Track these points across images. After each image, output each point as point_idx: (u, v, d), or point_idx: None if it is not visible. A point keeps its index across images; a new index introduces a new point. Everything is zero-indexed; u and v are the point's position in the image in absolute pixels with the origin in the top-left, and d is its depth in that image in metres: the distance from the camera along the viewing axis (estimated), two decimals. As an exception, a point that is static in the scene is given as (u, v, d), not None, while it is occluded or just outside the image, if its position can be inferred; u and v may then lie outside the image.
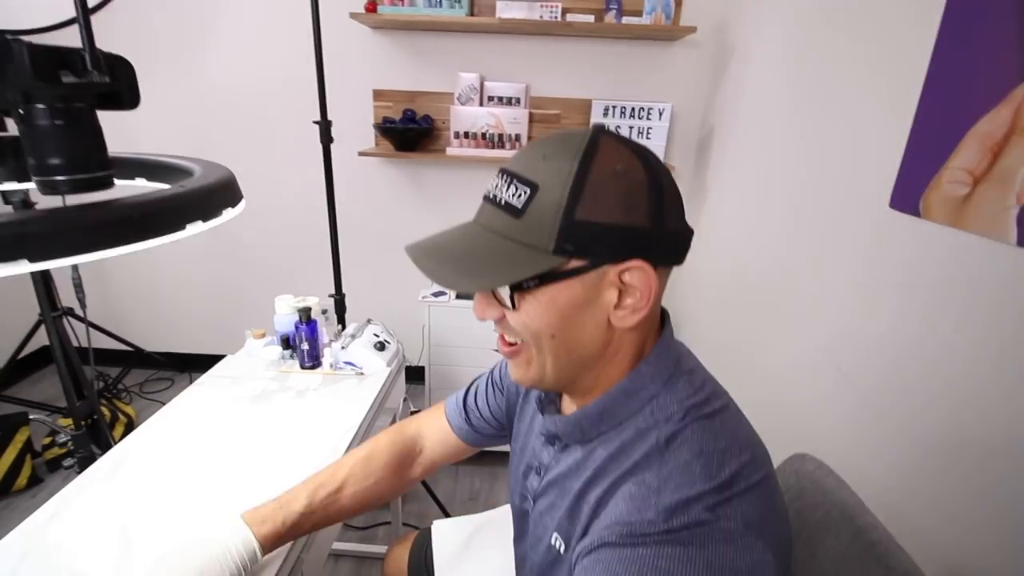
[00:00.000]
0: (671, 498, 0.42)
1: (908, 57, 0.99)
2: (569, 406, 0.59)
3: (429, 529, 0.99)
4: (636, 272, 0.45)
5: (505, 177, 0.47)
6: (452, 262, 0.47)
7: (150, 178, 0.81)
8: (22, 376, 2.41)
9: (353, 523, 1.71)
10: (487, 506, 1.82)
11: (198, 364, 2.36)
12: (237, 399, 1.09)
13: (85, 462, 1.04)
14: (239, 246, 2.31)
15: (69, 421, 2.01)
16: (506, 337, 0.52)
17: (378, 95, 2.05)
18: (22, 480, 1.79)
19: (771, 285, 1.48)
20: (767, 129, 1.57)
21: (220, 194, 0.64)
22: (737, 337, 1.66)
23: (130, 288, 2.44)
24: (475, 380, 0.83)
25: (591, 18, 1.82)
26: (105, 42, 0.60)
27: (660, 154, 1.97)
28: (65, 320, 2.01)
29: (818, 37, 1.34)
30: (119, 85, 0.64)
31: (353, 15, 1.79)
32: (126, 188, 0.71)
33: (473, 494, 1.90)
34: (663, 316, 0.55)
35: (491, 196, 0.48)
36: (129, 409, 2.19)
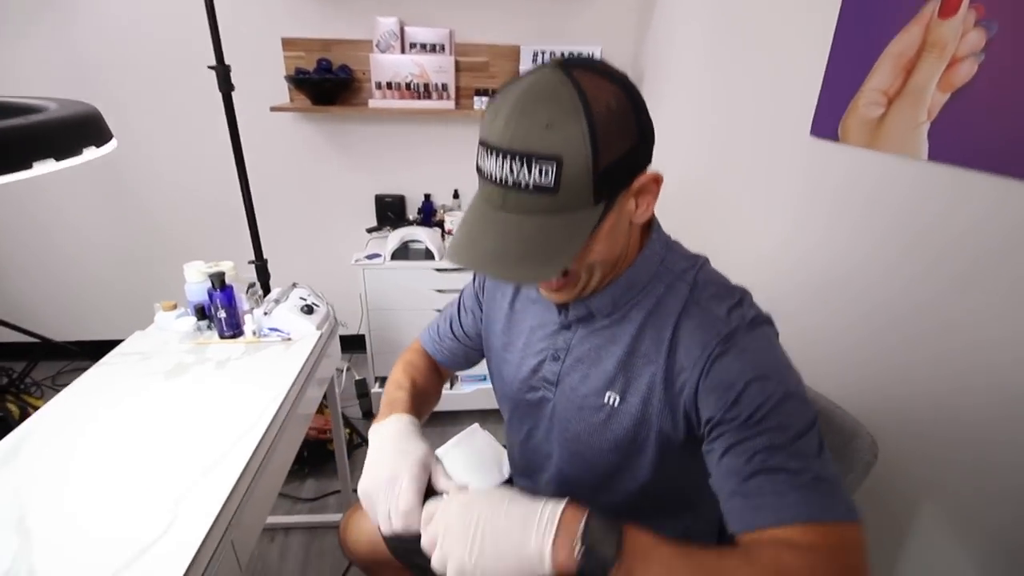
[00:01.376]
0: (722, 309, 0.56)
1: (826, -19, 0.99)
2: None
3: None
4: (646, 178, 0.52)
5: (517, 160, 0.47)
6: (522, 261, 0.49)
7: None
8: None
9: (301, 495, 1.66)
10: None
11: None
12: (148, 375, 0.99)
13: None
14: (145, 216, 2.09)
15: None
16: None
17: (288, 44, 1.87)
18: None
19: (704, 217, 1.51)
20: (694, 65, 1.56)
21: (76, 129, 0.54)
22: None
23: (32, 275, 2.17)
24: (443, 314, 0.87)
25: (513, -46, 1.72)
26: None
27: (592, 100, 1.94)
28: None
29: (740, -32, 1.32)
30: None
31: (250, -50, 1.60)
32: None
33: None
34: None
35: (511, 183, 0.48)
36: (39, 403, 1.99)
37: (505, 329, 0.75)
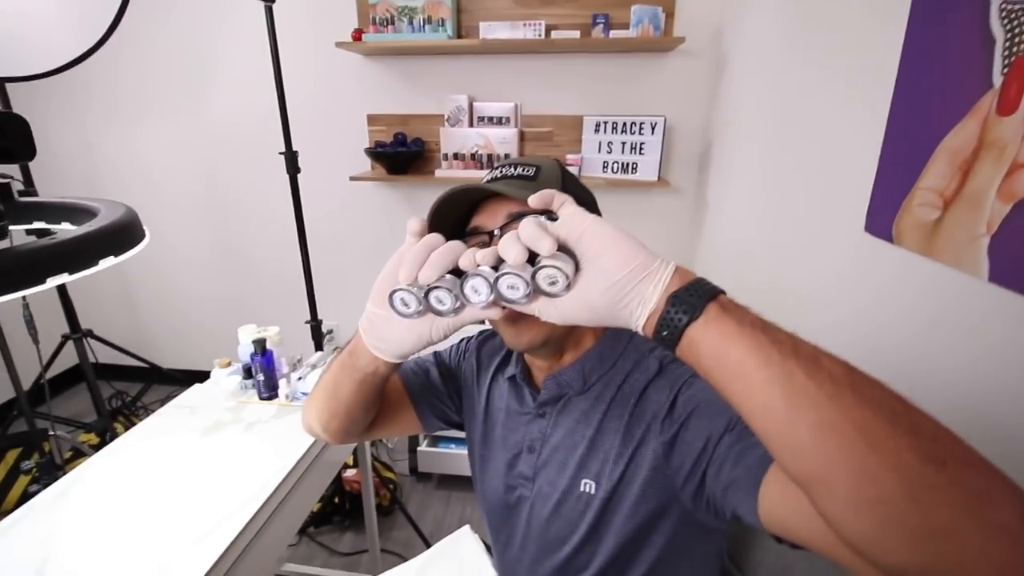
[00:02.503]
0: (689, 373, 0.56)
1: (878, 68, 0.89)
2: (543, 375, 0.64)
3: None
4: None
5: (507, 166, 0.58)
6: (503, 185, 0.55)
7: (49, 221, 0.83)
8: (57, 393, 2.58)
9: (338, 548, 1.71)
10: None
11: (211, 383, 2.45)
12: (189, 430, 1.10)
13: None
14: (247, 270, 2.39)
15: (90, 436, 2.14)
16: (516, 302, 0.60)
17: (372, 120, 2.08)
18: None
19: (756, 299, 1.37)
20: (760, 144, 1.47)
21: (95, 245, 0.64)
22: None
23: (150, 308, 2.57)
24: (422, 364, 0.78)
25: (576, 33, 1.77)
26: (113, 80, 0.60)
27: (654, 170, 1.89)
28: (85, 341, 2.15)
29: (802, 50, 1.24)
30: (10, 142, 0.66)
31: (339, 44, 1.82)
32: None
33: (463, 521, 1.85)
34: None
35: (499, 175, 0.57)
36: (147, 425, 2.30)
37: (483, 437, 0.72)
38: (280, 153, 1.34)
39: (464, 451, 1.99)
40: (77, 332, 2.06)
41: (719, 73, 1.78)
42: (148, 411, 2.47)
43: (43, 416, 2.31)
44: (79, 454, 1.99)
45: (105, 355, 2.35)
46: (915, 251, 0.80)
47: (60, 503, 0.90)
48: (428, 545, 1.65)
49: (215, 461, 1.01)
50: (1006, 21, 0.65)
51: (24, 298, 1.40)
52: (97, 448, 2.09)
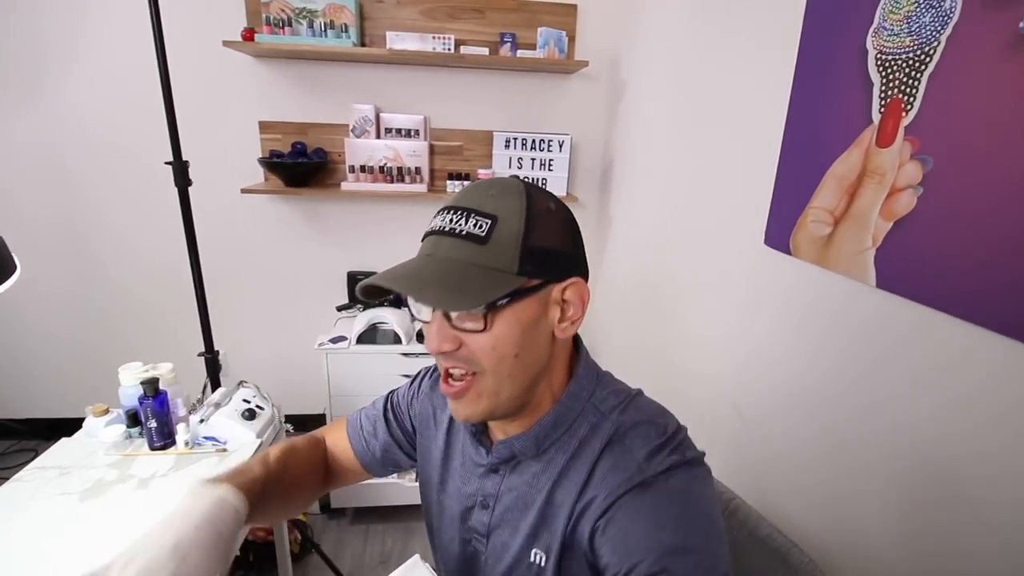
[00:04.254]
0: (643, 451, 0.53)
1: (774, 97, 1.01)
2: (500, 434, 0.61)
3: None
4: (574, 287, 0.54)
5: (460, 212, 0.51)
6: (433, 285, 0.49)
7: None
8: None
9: (244, 606, 1.52)
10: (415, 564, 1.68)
11: (69, 430, 2.06)
12: (62, 495, 0.92)
13: None
14: (111, 298, 2.05)
15: None
16: (455, 373, 0.54)
17: (265, 127, 1.91)
18: None
19: (667, 317, 1.48)
20: (658, 161, 1.59)
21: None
22: (640, 369, 1.65)
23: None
24: (374, 405, 0.77)
25: (485, 50, 1.79)
26: None
27: (562, 185, 1.96)
28: None
29: (696, 77, 1.37)
30: None
31: (227, 43, 1.65)
32: None
33: (384, 556, 1.75)
34: None
35: (447, 229, 0.51)
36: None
37: (440, 483, 0.68)
38: (167, 163, 1.17)
39: (381, 481, 1.88)
40: None
41: (618, 96, 1.91)
42: (-23, 474, 2.01)
43: None
44: None
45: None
46: (810, 262, 0.92)
47: None
48: (350, 585, 1.53)
49: (104, 529, 0.85)
50: (881, 68, 0.77)
51: None
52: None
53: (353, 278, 2.08)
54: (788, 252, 0.97)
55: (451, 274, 0.49)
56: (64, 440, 1.07)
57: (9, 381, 2.15)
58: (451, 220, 0.51)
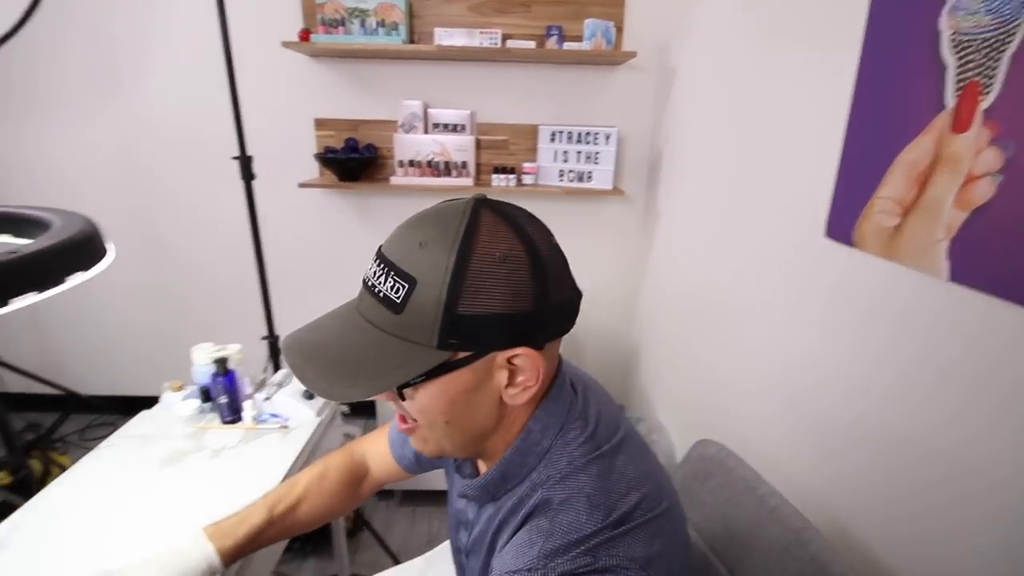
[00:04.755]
0: (555, 543, 0.45)
1: (836, 85, 0.98)
2: (484, 466, 0.59)
3: None
4: (523, 358, 0.45)
5: (382, 266, 0.45)
6: (332, 367, 0.45)
7: (16, 233, 0.73)
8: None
9: (298, 578, 1.60)
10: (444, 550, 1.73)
11: (145, 407, 2.22)
12: (144, 461, 0.99)
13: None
14: (180, 284, 2.19)
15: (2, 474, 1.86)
16: (405, 416, 0.51)
17: (320, 124, 1.99)
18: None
19: (720, 312, 1.45)
20: (710, 155, 1.56)
21: (65, 258, 0.56)
22: (690, 364, 1.63)
23: (65, 330, 2.28)
24: None
25: (532, 44, 1.80)
26: (22, 73, 0.52)
27: (608, 179, 1.95)
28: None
29: (752, 64, 1.33)
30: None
31: (285, 44, 1.73)
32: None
33: (430, 537, 1.80)
34: (558, 365, 0.55)
35: (369, 284, 0.46)
36: (64, 459, 2.03)
37: (451, 482, 0.69)
38: (234, 158, 1.24)
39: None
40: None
41: (667, 85, 1.88)
42: (67, 444, 2.20)
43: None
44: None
45: (8, 383, 2.07)
46: (876, 254, 0.88)
47: (6, 550, 0.78)
48: (397, 562, 1.59)
49: (183, 493, 0.91)
50: (956, 50, 0.73)
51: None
52: (9, 489, 1.82)
53: (401, 270, 2.14)
54: (851, 244, 0.94)
55: (361, 348, 0.45)
56: (144, 412, 1.16)
57: (90, 361, 2.33)
58: (374, 273, 0.46)
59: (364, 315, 0.46)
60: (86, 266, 0.58)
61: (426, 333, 0.43)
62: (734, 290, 1.38)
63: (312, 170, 2.01)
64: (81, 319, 2.26)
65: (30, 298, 0.51)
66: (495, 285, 0.42)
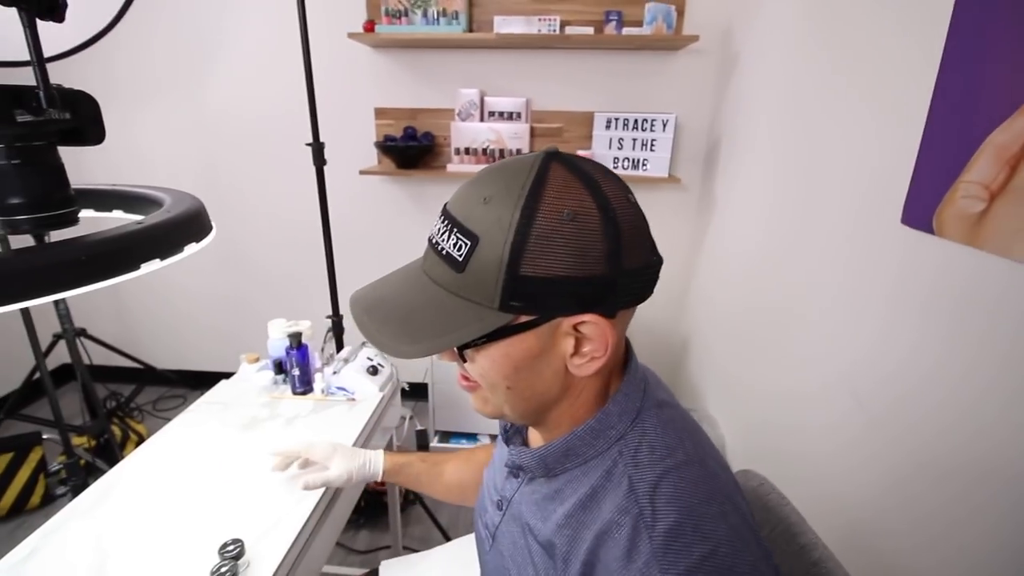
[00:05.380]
0: (664, 556, 0.40)
1: (917, 65, 0.93)
2: (536, 438, 0.58)
3: (377, 570, 0.96)
4: (590, 325, 0.43)
5: (446, 222, 0.44)
6: (393, 323, 0.45)
7: (127, 209, 0.80)
8: (39, 396, 2.46)
9: (355, 546, 1.69)
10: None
11: (211, 381, 2.37)
12: (226, 426, 1.08)
13: (78, 489, 1.03)
14: (247, 266, 2.33)
15: (84, 439, 2.04)
16: (465, 374, 0.51)
17: (380, 113, 2.05)
18: (36, 499, 1.81)
19: (782, 303, 1.42)
20: (774, 140, 1.51)
21: (181, 229, 0.62)
22: (747, 356, 1.60)
23: (141, 307, 2.48)
24: None
25: (590, 30, 1.79)
26: (106, 72, 0.59)
27: (664, 166, 1.92)
28: (78, 340, 2.05)
29: (823, 45, 1.28)
30: (81, 121, 0.63)
31: (351, 35, 1.79)
32: (102, 221, 0.70)
33: (478, 516, 1.85)
34: (627, 345, 0.53)
35: (434, 242, 0.45)
36: (141, 427, 2.21)
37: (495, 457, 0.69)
38: (307, 144, 1.31)
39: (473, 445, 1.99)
40: (70, 331, 1.97)
41: (729, 69, 1.83)
42: (143, 412, 2.39)
43: (30, 419, 2.21)
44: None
45: (92, 356, 2.25)
46: (958, 241, 0.85)
47: (105, 503, 0.87)
48: (448, 538, 1.65)
49: (261, 456, 0.99)
50: (1061, 23, 0.69)
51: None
52: (93, 452, 2.00)
53: (454, 256, 2.20)
54: (931, 231, 0.90)
55: (423, 306, 0.44)
56: (223, 382, 1.25)
57: (164, 337, 2.52)
58: (439, 230, 0.45)
59: (428, 273, 0.46)
60: (199, 238, 0.64)
61: (488, 294, 0.41)
62: (797, 281, 1.34)
63: (371, 158, 2.09)
64: (156, 299, 2.44)
65: (154, 264, 0.57)
66: (562, 245, 0.39)
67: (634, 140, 1.93)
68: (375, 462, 0.87)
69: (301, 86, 1.28)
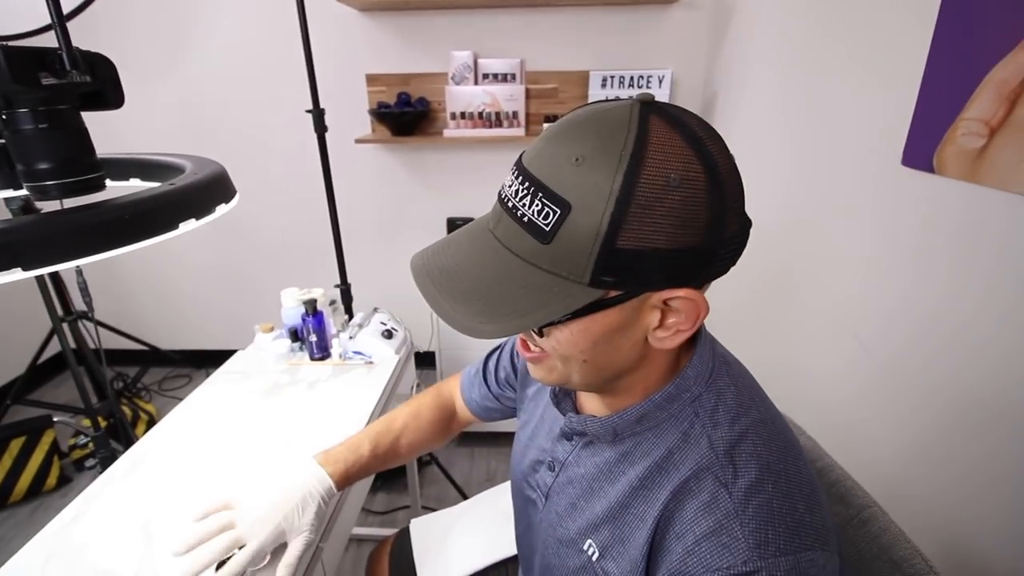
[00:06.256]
0: (747, 537, 0.39)
1: (916, 5, 0.95)
2: (590, 402, 0.56)
3: (408, 529, 1.00)
4: (682, 300, 0.40)
5: (527, 185, 0.38)
6: (468, 299, 0.41)
7: (144, 177, 0.80)
8: (45, 380, 2.46)
9: (373, 508, 1.74)
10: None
11: (214, 360, 2.39)
12: (249, 393, 1.10)
13: (106, 461, 1.06)
14: (245, 240, 2.31)
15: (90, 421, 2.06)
16: (528, 343, 0.48)
17: (371, 80, 2.02)
18: (51, 480, 1.84)
19: (782, 249, 1.46)
20: (771, 90, 1.52)
21: (212, 190, 0.63)
22: (750, 302, 1.64)
23: (141, 288, 2.46)
24: (494, 352, 0.81)
25: (584, -15, 1.76)
26: (87, 42, 0.58)
27: (662, 123, 1.92)
28: (80, 323, 2.04)
29: (822, -10, 1.28)
30: (102, 84, 0.63)
31: (340, -2, 1.75)
32: (121, 189, 0.70)
33: (489, 475, 1.92)
34: None
35: (510, 205, 0.40)
36: (150, 407, 2.23)
37: (524, 406, 0.70)
38: (307, 111, 1.29)
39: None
40: (72, 314, 1.96)
41: (725, 21, 1.82)
42: (150, 392, 2.40)
43: (36, 403, 2.22)
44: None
45: (94, 339, 2.25)
46: (957, 178, 0.88)
47: (140, 469, 0.89)
48: (465, 496, 1.71)
49: (287, 419, 1.02)
50: (1063, -45, 0.70)
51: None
52: (106, 431, 2.02)
53: (452, 223, 2.19)
54: (931, 171, 0.93)
55: (500, 279, 0.40)
56: (239, 352, 1.26)
57: (166, 318, 2.51)
58: (515, 192, 0.40)
59: (502, 240, 0.41)
60: (227, 199, 0.65)
61: (578, 268, 0.37)
62: (799, 233, 1.38)
63: (365, 126, 2.06)
64: (156, 279, 2.42)
65: (190, 224, 0.58)
66: (664, 215, 0.35)
67: (631, 98, 1.92)
68: (317, 484, 0.70)
69: (290, 53, 1.26)
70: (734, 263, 0.42)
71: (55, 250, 0.48)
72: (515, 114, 1.95)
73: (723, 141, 0.40)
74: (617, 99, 0.41)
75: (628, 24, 1.92)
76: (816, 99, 1.29)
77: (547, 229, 0.37)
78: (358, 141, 1.96)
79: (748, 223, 0.42)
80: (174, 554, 0.63)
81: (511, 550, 0.88)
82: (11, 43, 0.53)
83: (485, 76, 1.97)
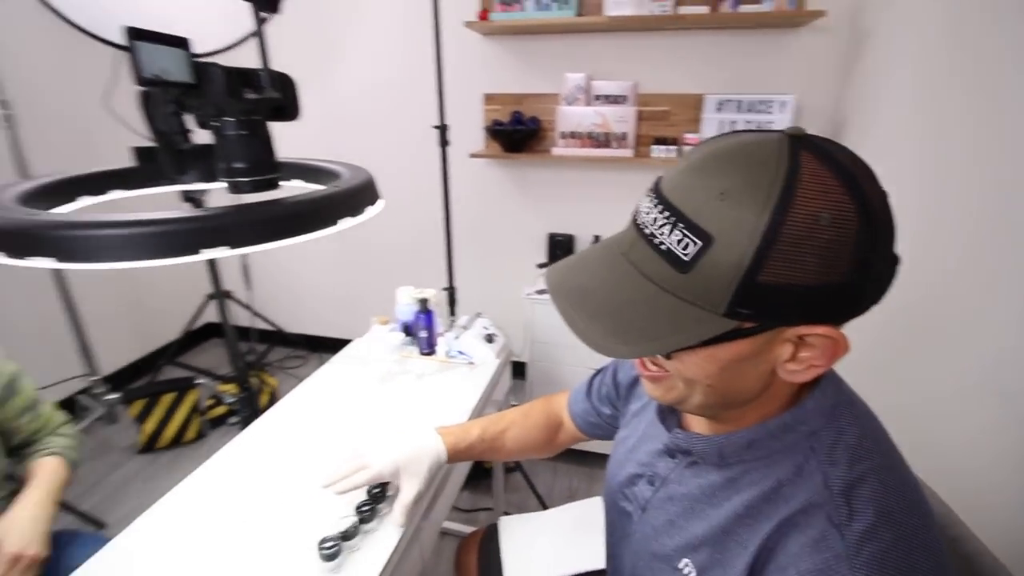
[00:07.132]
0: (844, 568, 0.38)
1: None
2: (697, 422, 0.56)
3: (496, 525, 1.03)
4: (819, 337, 0.39)
5: (667, 215, 0.39)
6: (602, 318, 0.42)
7: (307, 179, 0.93)
8: (189, 348, 2.86)
9: (458, 505, 1.81)
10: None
11: (326, 346, 2.66)
12: (366, 377, 1.21)
13: (246, 421, 1.22)
14: (361, 239, 2.54)
15: (228, 386, 2.36)
16: (648, 363, 0.48)
17: (489, 99, 2.14)
18: (191, 434, 2.13)
19: (919, 291, 1.33)
20: (912, 124, 1.41)
21: (365, 193, 0.73)
22: (878, 342, 1.51)
23: (274, 276, 2.78)
24: (601, 371, 0.83)
25: (705, 8, 1.75)
26: (248, 59, 0.70)
27: (781, 148, 1.84)
28: (225, 301, 2.36)
29: (971, 24, 1.18)
30: (286, 100, 0.75)
31: (468, 24, 1.89)
32: (287, 188, 0.83)
33: (571, 492, 1.91)
34: None
35: (647, 232, 0.41)
36: (272, 380, 2.51)
37: (627, 421, 0.71)
38: (435, 127, 1.42)
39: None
40: (219, 293, 2.28)
41: (859, 47, 1.72)
42: (275, 367, 2.69)
43: (183, 366, 2.58)
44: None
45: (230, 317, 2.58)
46: None
47: (274, 429, 1.03)
48: (545, 506, 1.73)
49: (400, 402, 1.12)
50: None
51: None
52: (237, 397, 2.31)
53: (553, 239, 2.25)
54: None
55: (633, 302, 0.41)
56: (357, 340, 1.40)
57: (290, 304, 2.81)
58: (654, 219, 0.40)
59: (637, 265, 0.42)
60: (373, 202, 0.74)
61: (714, 298, 0.37)
62: (928, 281, 1.26)
63: (479, 141, 2.19)
64: (280, 270, 2.73)
65: (348, 222, 0.67)
66: (810, 253, 0.35)
67: (747, 123, 1.87)
68: (433, 449, 0.81)
69: (420, 74, 1.38)
70: (878, 302, 0.40)
71: (254, 234, 0.59)
72: (624, 135, 1.97)
73: (876, 178, 0.39)
74: (760, 129, 0.43)
75: (750, 47, 1.87)
76: (953, 145, 1.18)
77: (686, 260, 0.38)
78: (472, 155, 2.09)
79: (897, 261, 0.40)
80: (322, 486, 0.78)
81: (596, 563, 0.90)
82: (203, 59, 0.66)
83: (597, 97, 2.01)
